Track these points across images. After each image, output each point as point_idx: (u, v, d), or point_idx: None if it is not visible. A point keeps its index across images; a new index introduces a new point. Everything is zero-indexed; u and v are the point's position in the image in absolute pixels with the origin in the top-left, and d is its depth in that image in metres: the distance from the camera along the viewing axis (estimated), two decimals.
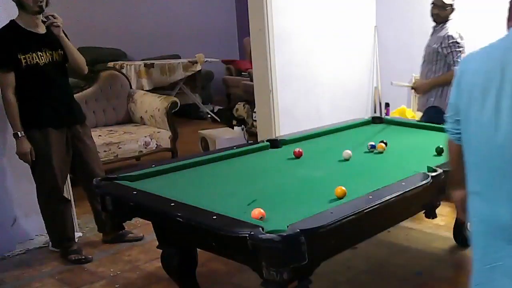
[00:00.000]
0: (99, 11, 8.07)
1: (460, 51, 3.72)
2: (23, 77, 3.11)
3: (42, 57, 3.14)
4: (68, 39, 3.25)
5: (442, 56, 3.76)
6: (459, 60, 3.70)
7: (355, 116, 4.18)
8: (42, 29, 3.17)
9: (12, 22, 3.11)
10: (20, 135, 3.15)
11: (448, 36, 3.72)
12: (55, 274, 3.27)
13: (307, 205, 2.11)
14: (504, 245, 1.55)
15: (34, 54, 3.11)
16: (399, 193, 2.19)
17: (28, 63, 3.09)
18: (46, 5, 3.10)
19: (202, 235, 2.05)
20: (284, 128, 4.43)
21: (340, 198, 2.17)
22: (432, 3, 3.86)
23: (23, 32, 3.11)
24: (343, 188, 2.20)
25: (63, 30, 3.19)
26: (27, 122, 3.19)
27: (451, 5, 3.80)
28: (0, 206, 3.49)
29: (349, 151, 2.90)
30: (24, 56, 3.08)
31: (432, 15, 3.87)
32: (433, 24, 3.92)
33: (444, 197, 2.63)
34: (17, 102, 3.17)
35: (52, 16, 3.12)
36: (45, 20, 3.13)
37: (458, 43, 3.72)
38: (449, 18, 3.83)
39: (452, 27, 3.79)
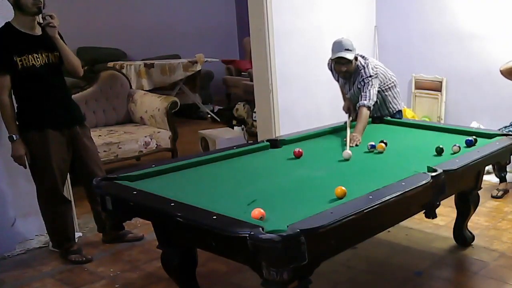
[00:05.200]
0: (99, 11, 8.08)
1: (372, 87, 3.58)
2: (20, 79, 3.10)
3: (38, 59, 3.13)
4: (64, 41, 3.24)
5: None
6: (369, 95, 3.56)
7: None
8: (38, 31, 3.16)
9: (8, 24, 3.10)
10: (15, 138, 3.14)
11: (365, 79, 3.60)
12: (55, 274, 3.27)
13: (307, 205, 2.11)
14: None
15: (30, 56, 3.09)
16: (399, 193, 2.19)
17: (24, 65, 3.08)
18: (43, 7, 3.10)
19: (202, 235, 2.05)
20: (284, 128, 4.43)
21: (340, 198, 2.17)
22: (335, 62, 3.60)
23: (19, 34, 3.09)
24: (343, 188, 2.20)
25: (58, 32, 3.18)
26: (26, 124, 3.19)
27: (355, 56, 3.58)
28: (0, 206, 3.49)
29: (349, 151, 2.89)
30: (20, 58, 3.06)
31: (340, 72, 3.65)
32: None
33: (444, 197, 2.64)
34: (16, 104, 3.17)
35: (50, 16, 3.11)
36: (41, 22, 3.12)
37: (372, 78, 3.60)
38: (357, 67, 3.62)
39: (363, 66, 3.62)
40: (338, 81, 3.95)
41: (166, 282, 2.89)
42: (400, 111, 4.01)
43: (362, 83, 3.61)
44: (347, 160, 2.84)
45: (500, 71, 3.95)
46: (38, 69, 3.13)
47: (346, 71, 3.62)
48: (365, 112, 3.54)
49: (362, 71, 3.63)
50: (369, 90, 3.58)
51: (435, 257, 3.28)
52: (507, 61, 3.93)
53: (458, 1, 4.99)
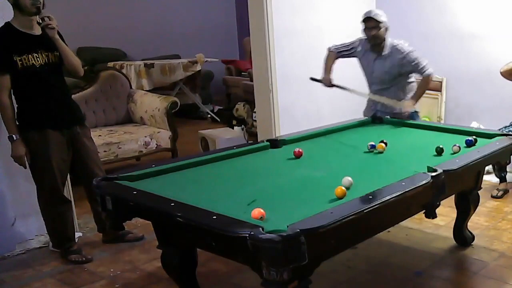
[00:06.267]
0: (99, 11, 8.08)
1: (419, 57, 3.75)
2: (20, 79, 3.11)
3: (38, 59, 3.13)
4: (64, 41, 3.24)
5: (405, 75, 3.83)
6: (425, 64, 3.72)
7: (355, 116, 4.17)
8: (37, 31, 3.16)
9: (7, 24, 3.11)
10: (15, 138, 3.14)
11: (407, 55, 3.73)
12: (55, 274, 3.27)
13: (307, 205, 2.11)
14: None
15: (30, 56, 3.09)
16: (399, 193, 2.18)
17: (24, 64, 3.08)
18: (43, 7, 3.10)
19: (202, 235, 2.05)
20: (284, 128, 4.43)
21: (340, 198, 2.17)
22: (365, 28, 3.75)
23: (19, 33, 3.10)
24: (343, 188, 2.20)
25: (58, 32, 3.18)
26: (26, 124, 3.19)
27: (385, 22, 3.72)
28: (0, 206, 3.49)
29: (350, 178, 2.34)
30: (20, 58, 3.07)
31: (371, 38, 3.76)
32: (369, 46, 3.85)
33: (444, 197, 2.64)
34: (16, 104, 3.18)
35: (48, 17, 3.10)
36: (40, 22, 3.12)
37: (413, 52, 3.75)
38: (386, 37, 3.76)
39: (397, 43, 3.79)
40: (360, 59, 3.96)
41: (166, 282, 2.89)
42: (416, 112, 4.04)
43: (409, 58, 3.73)
44: (347, 188, 2.27)
45: (501, 73, 3.95)
46: (38, 68, 3.13)
47: (375, 35, 3.72)
48: (428, 82, 3.77)
49: (399, 46, 3.78)
50: (420, 61, 3.73)
51: (435, 257, 3.28)
52: (507, 62, 3.93)
53: (458, 1, 4.99)
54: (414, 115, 3.95)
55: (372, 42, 3.80)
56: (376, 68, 3.87)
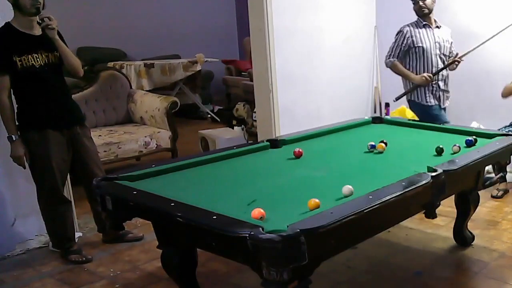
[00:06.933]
0: (99, 11, 8.08)
1: None
2: (20, 80, 3.11)
3: (38, 59, 3.13)
4: (64, 41, 3.23)
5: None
6: None
7: (355, 116, 4.18)
8: (37, 31, 3.16)
9: (7, 24, 3.11)
10: (14, 138, 3.14)
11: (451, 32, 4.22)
12: (55, 274, 3.27)
13: (307, 205, 2.10)
14: None
15: (29, 56, 3.09)
16: (399, 193, 2.18)
17: (24, 65, 3.08)
18: (43, 8, 3.10)
19: (202, 235, 2.05)
20: (284, 128, 4.43)
21: (312, 210, 2.04)
22: (414, 2, 4.08)
23: (18, 34, 3.10)
24: (317, 200, 2.07)
25: (58, 32, 3.18)
26: (26, 124, 3.19)
27: None
28: (0, 206, 3.49)
29: (350, 187, 2.25)
30: (19, 58, 3.07)
31: (421, 9, 4.05)
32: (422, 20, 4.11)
33: (444, 197, 2.64)
34: (16, 104, 3.18)
35: (48, 18, 3.10)
36: (40, 22, 3.12)
37: None
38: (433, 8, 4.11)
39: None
40: (416, 37, 4.07)
41: (166, 282, 2.89)
42: None
43: (450, 36, 4.20)
44: (347, 196, 2.22)
45: (502, 97, 4.01)
46: (38, 69, 3.13)
47: (424, 5, 4.03)
48: None
49: (446, 26, 4.20)
50: None
51: (435, 257, 3.28)
52: (505, 85, 4.01)
53: (458, 1, 4.99)
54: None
55: (421, 13, 4.07)
56: (437, 36, 4.12)
